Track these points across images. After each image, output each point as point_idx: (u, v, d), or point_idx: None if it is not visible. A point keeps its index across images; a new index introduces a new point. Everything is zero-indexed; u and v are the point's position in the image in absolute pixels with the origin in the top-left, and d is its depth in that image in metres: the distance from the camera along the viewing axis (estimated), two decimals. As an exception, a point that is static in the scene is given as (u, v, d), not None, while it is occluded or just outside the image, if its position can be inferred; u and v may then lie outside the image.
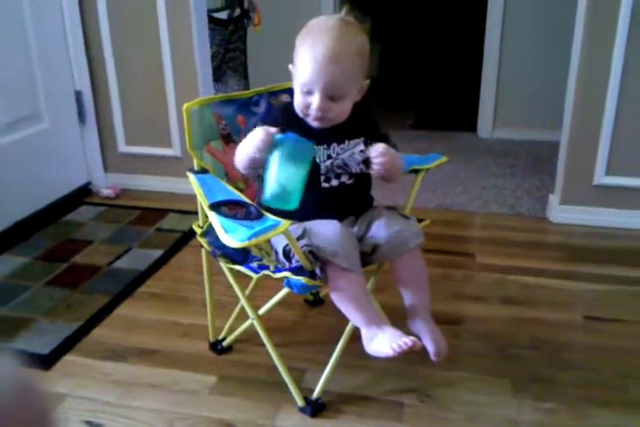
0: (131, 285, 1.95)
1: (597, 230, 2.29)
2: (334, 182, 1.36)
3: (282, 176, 1.20)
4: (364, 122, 1.39)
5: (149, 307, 1.84)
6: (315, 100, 1.28)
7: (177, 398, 1.46)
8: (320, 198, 1.35)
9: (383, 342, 1.21)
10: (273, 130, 1.25)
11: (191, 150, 1.43)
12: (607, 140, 2.22)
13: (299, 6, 3.45)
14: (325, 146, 1.34)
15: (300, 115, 1.33)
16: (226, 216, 1.22)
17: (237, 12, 3.13)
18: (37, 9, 2.35)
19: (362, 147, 1.36)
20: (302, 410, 1.40)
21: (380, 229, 1.32)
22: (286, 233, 1.16)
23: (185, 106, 1.42)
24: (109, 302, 1.85)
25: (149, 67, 2.54)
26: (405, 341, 1.17)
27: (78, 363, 1.59)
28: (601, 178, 2.27)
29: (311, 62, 1.25)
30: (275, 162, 1.20)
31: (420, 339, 1.25)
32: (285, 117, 1.35)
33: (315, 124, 1.32)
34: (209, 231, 1.45)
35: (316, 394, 1.42)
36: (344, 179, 1.36)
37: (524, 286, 1.92)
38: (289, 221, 1.16)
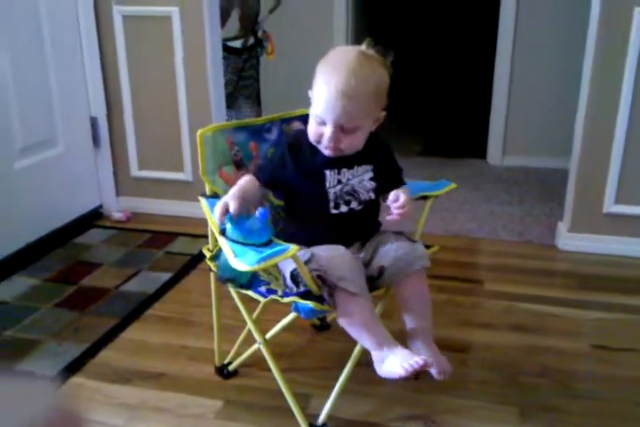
0: (139, 307, 1.95)
1: (606, 258, 2.28)
2: (343, 209, 1.37)
3: (232, 269, 1.24)
4: (375, 149, 1.40)
5: (157, 330, 1.85)
6: (327, 131, 1.29)
7: (183, 422, 1.45)
8: (328, 224, 1.36)
9: (394, 362, 1.20)
10: (233, 206, 1.22)
11: (203, 175, 1.45)
12: (616, 168, 2.23)
13: (311, 36, 3.52)
14: (336, 170, 1.36)
15: (313, 142, 1.34)
16: (234, 240, 1.23)
17: (251, 40, 3.20)
18: (56, 37, 2.41)
19: (371, 174, 1.38)
20: (307, 436, 1.39)
21: (386, 253, 1.33)
22: (295, 258, 1.17)
23: (199, 132, 1.45)
24: (117, 324, 1.86)
25: (164, 93, 2.60)
26: (417, 360, 1.17)
27: (85, 385, 1.59)
28: (610, 206, 2.27)
29: (325, 94, 1.26)
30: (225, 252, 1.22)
31: None
32: (298, 143, 1.37)
33: (326, 152, 1.34)
34: (218, 255, 1.46)
35: (321, 420, 1.41)
36: (353, 205, 1.37)
37: (533, 314, 1.91)
38: (297, 246, 1.17)
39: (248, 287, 1.38)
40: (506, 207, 2.81)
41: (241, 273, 1.33)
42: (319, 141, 1.32)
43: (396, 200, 1.32)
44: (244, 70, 3.17)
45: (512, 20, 3.23)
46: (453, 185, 1.59)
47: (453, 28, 5.06)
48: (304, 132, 1.38)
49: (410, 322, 1.35)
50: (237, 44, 3.16)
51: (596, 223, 2.31)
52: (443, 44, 5.11)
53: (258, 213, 1.23)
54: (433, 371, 1.29)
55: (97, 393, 1.56)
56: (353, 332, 1.27)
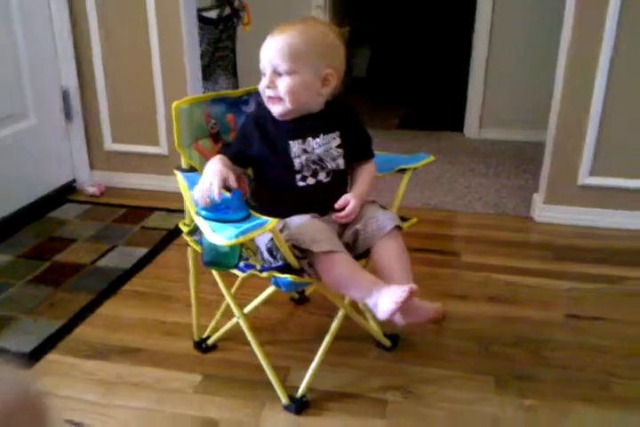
0: (115, 283, 1.94)
1: (581, 230, 2.31)
2: (310, 181, 1.35)
3: (216, 250, 1.28)
4: (339, 116, 1.39)
5: (133, 305, 1.83)
6: (264, 79, 1.32)
7: (161, 397, 1.45)
8: (297, 197, 1.35)
9: (387, 301, 1.19)
10: (232, 181, 1.24)
11: (179, 148, 1.42)
12: (592, 141, 2.24)
13: (289, 6, 3.44)
14: (300, 140, 1.34)
15: (266, 104, 1.36)
16: (211, 218, 1.21)
17: (227, 11, 3.13)
18: (25, 6, 2.33)
19: (338, 141, 1.36)
20: (287, 408, 1.40)
21: (359, 218, 1.34)
22: (274, 231, 1.16)
23: (174, 104, 1.41)
24: (93, 300, 1.84)
25: (138, 65, 2.53)
26: (403, 290, 1.17)
27: (61, 362, 1.58)
28: (585, 178, 2.30)
29: (265, 43, 1.31)
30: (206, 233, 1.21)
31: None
32: (262, 117, 1.38)
33: (272, 110, 1.34)
34: (195, 230, 1.44)
35: (300, 392, 1.42)
36: (321, 177, 1.35)
37: (509, 285, 1.94)
38: (276, 220, 1.16)
39: (236, 266, 1.35)
40: (482, 180, 2.82)
41: (227, 254, 1.31)
42: (266, 101, 1.34)
43: (343, 206, 1.32)
44: (219, 41, 3.10)
45: (490, -5, 3.20)
46: (431, 158, 1.58)
47: (432, 2, 5.00)
48: (263, 110, 1.38)
49: (388, 276, 1.29)
50: (213, 14, 3.08)
51: (570, 195, 2.33)
52: (422, 17, 5.05)
53: (232, 193, 1.22)
54: (426, 317, 1.27)
55: (73, 369, 1.55)
56: (341, 287, 1.28)
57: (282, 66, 1.30)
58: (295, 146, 1.34)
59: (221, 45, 3.12)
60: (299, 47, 1.30)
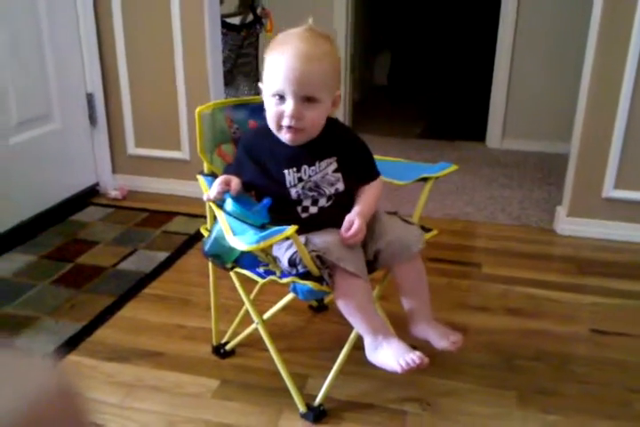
0: (135, 286, 1.95)
1: (604, 244, 2.28)
2: (313, 210, 1.30)
3: (221, 244, 1.28)
4: (336, 138, 1.33)
5: (153, 309, 1.84)
6: (288, 104, 1.22)
7: (179, 401, 1.45)
8: (303, 226, 1.23)
9: (389, 354, 1.20)
10: (234, 184, 1.23)
11: (201, 154, 1.43)
12: (617, 153, 2.21)
13: (311, 12, 3.45)
14: (295, 169, 1.29)
15: (274, 130, 1.27)
16: (234, 215, 1.22)
17: (250, 17, 3.15)
18: (53, 12, 2.37)
19: (335, 166, 1.31)
20: (304, 416, 1.40)
21: (380, 236, 1.30)
22: (294, 237, 1.16)
23: (197, 109, 1.42)
24: (113, 302, 1.85)
25: (161, 70, 2.56)
26: (413, 358, 1.17)
27: (81, 363, 1.58)
28: (609, 191, 2.27)
29: (283, 65, 1.21)
30: (220, 225, 1.23)
31: (428, 342, 1.25)
32: (249, 152, 1.31)
33: (287, 137, 1.26)
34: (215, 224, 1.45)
35: (318, 400, 1.41)
36: (322, 203, 1.30)
37: (530, 298, 1.91)
38: (296, 226, 1.16)
39: (232, 268, 1.37)
40: (505, 191, 2.80)
41: (229, 251, 1.32)
42: (280, 125, 1.25)
43: (348, 228, 1.24)
44: (242, 47, 3.12)
45: (514, 3, 3.19)
46: (454, 167, 1.55)
47: (455, 10, 4.99)
48: (260, 131, 1.33)
49: (408, 304, 1.35)
50: (236, 20, 3.11)
51: (594, 208, 2.30)
52: (445, 25, 5.05)
53: (264, 199, 1.22)
54: (443, 346, 1.29)
55: (93, 371, 1.55)
56: (349, 314, 1.26)
57: (310, 94, 1.22)
58: (290, 175, 1.29)
59: (244, 52, 3.14)
60: (326, 74, 1.23)
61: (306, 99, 1.22)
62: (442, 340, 1.30)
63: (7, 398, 0.37)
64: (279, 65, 1.22)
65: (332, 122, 1.32)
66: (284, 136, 1.27)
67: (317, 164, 1.30)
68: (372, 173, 1.38)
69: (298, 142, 1.28)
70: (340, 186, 1.31)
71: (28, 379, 0.40)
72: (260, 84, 1.31)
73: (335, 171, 1.31)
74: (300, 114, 1.23)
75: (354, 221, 1.25)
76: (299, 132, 1.26)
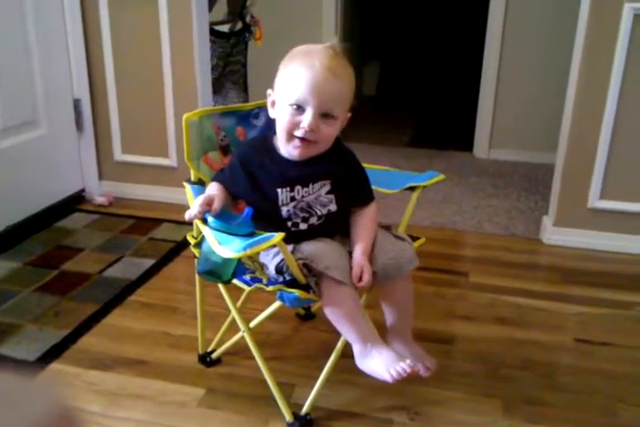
0: (121, 293, 1.93)
1: (590, 253, 2.30)
2: (303, 226, 1.30)
3: (212, 260, 1.27)
4: (334, 161, 1.32)
5: (139, 316, 1.82)
6: (307, 117, 1.21)
7: (164, 410, 1.44)
8: (294, 240, 1.26)
9: (379, 363, 1.20)
10: (216, 204, 1.22)
11: (188, 161, 1.42)
12: (602, 164, 2.24)
13: (301, 21, 3.48)
14: (288, 188, 1.28)
15: (283, 139, 1.26)
16: (218, 228, 1.21)
17: (239, 25, 3.15)
18: (39, 17, 2.35)
19: (328, 188, 1.30)
20: (290, 425, 1.39)
21: (375, 258, 1.28)
22: (281, 244, 1.15)
23: (185, 116, 1.41)
24: (99, 310, 1.83)
25: (149, 77, 2.55)
26: (404, 367, 1.17)
27: (65, 371, 1.56)
28: (595, 202, 2.29)
29: (310, 78, 1.20)
30: (208, 242, 1.21)
31: None
32: (244, 166, 1.30)
33: (296, 152, 1.26)
34: (202, 242, 1.44)
35: (304, 410, 1.40)
36: (312, 221, 1.30)
37: (517, 307, 1.92)
38: (283, 233, 1.15)
39: (229, 282, 1.35)
40: (492, 200, 2.82)
41: (222, 266, 1.30)
42: (291, 135, 1.24)
43: (359, 274, 1.23)
44: (231, 55, 3.12)
45: (501, 13, 3.22)
46: (441, 176, 1.56)
47: (443, 20, 5.04)
48: (257, 143, 1.33)
49: (391, 319, 1.36)
50: (225, 28, 3.11)
51: (580, 218, 2.32)
52: (433, 35, 5.09)
53: (246, 209, 1.21)
54: (417, 368, 1.30)
55: (77, 379, 1.53)
56: (337, 322, 1.25)
57: (332, 111, 1.23)
58: (283, 193, 1.28)
59: (232, 60, 3.14)
60: (346, 94, 1.25)
61: (324, 114, 1.23)
62: (417, 363, 1.31)
63: (8, 423, 0.37)
64: (305, 76, 1.21)
65: (336, 142, 1.32)
66: (293, 148, 1.26)
67: (311, 185, 1.29)
68: (366, 197, 1.37)
69: (304, 157, 1.27)
70: (333, 207, 1.31)
71: (30, 404, 0.39)
72: (269, 91, 1.31)
73: (328, 193, 1.30)
74: (317, 127, 1.23)
75: (363, 267, 1.24)
76: (311, 144, 1.25)
